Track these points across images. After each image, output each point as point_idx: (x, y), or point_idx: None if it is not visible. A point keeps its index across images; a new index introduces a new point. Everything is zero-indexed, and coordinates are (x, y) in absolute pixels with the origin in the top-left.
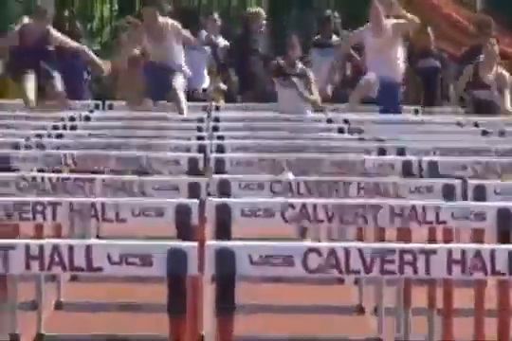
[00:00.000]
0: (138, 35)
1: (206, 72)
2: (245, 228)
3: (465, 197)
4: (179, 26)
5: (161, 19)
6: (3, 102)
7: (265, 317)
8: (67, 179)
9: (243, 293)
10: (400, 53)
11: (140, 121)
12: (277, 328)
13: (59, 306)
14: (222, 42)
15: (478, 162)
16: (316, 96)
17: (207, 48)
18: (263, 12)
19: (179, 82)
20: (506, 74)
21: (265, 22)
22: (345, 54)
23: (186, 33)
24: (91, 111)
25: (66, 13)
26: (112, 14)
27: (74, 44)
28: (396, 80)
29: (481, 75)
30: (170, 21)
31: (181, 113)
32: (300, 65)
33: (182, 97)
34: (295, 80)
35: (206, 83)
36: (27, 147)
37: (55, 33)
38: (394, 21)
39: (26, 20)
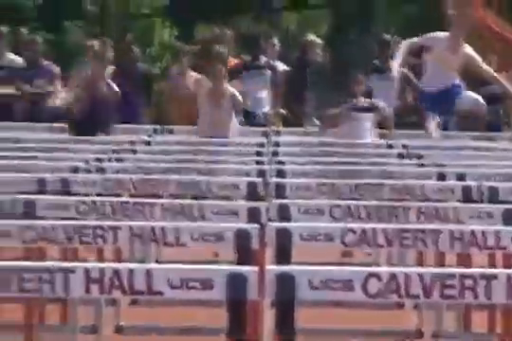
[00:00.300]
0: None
1: (266, 96)
2: (305, 253)
3: None
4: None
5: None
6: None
7: None
8: (127, 203)
9: (303, 317)
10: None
11: (200, 146)
12: None
13: (119, 330)
14: (281, 66)
15: None
16: (391, 131)
17: (267, 73)
18: (319, 41)
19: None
20: None
21: (320, 51)
22: (404, 62)
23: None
24: (150, 135)
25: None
26: (171, 39)
27: None
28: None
29: None
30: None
31: None
32: (366, 100)
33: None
34: (363, 115)
35: (266, 108)
36: (87, 171)
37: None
38: (472, 53)
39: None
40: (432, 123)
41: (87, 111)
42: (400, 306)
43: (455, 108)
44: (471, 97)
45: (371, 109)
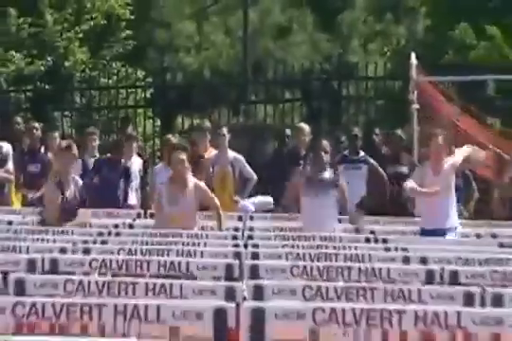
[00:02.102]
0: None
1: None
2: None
3: (483, 304)
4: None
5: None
6: None
7: None
8: (112, 282)
9: None
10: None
11: (180, 229)
12: None
13: None
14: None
15: (495, 271)
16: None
17: None
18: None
19: None
20: None
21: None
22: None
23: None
24: (134, 219)
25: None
26: (154, 130)
27: None
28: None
29: None
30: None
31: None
32: (331, 172)
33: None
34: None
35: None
36: (74, 251)
37: None
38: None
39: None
40: None
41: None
42: None
43: None
44: None
45: (336, 185)
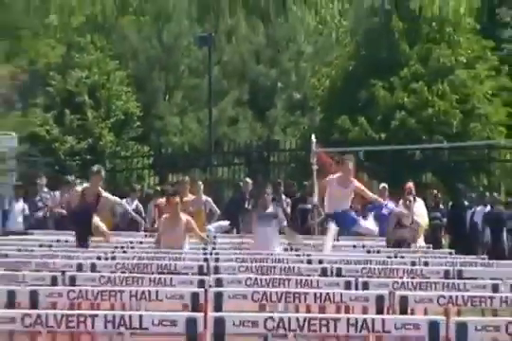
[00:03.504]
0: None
1: None
2: None
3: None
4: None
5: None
6: None
7: None
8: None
9: None
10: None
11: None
12: None
13: None
14: None
15: (364, 268)
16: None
17: None
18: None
19: None
20: None
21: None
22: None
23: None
24: (113, 252)
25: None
26: (155, 183)
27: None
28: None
29: None
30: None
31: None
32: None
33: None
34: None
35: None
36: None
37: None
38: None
39: (84, 184)
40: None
41: None
42: None
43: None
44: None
45: (275, 217)
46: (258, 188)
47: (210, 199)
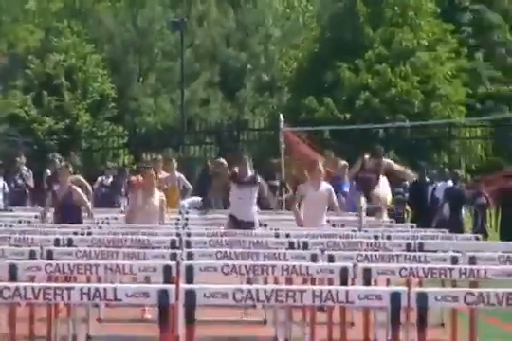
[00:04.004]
0: None
1: None
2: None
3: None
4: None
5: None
6: None
7: None
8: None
9: None
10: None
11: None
12: None
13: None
14: None
15: (330, 241)
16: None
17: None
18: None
19: None
20: None
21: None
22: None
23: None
24: (89, 227)
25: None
26: (129, 162)
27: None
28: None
29: None
30: None
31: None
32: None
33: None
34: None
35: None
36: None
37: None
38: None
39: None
40: None
41: None
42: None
43: None
44: None
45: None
46: (236, 157)
47: (183, 176)
